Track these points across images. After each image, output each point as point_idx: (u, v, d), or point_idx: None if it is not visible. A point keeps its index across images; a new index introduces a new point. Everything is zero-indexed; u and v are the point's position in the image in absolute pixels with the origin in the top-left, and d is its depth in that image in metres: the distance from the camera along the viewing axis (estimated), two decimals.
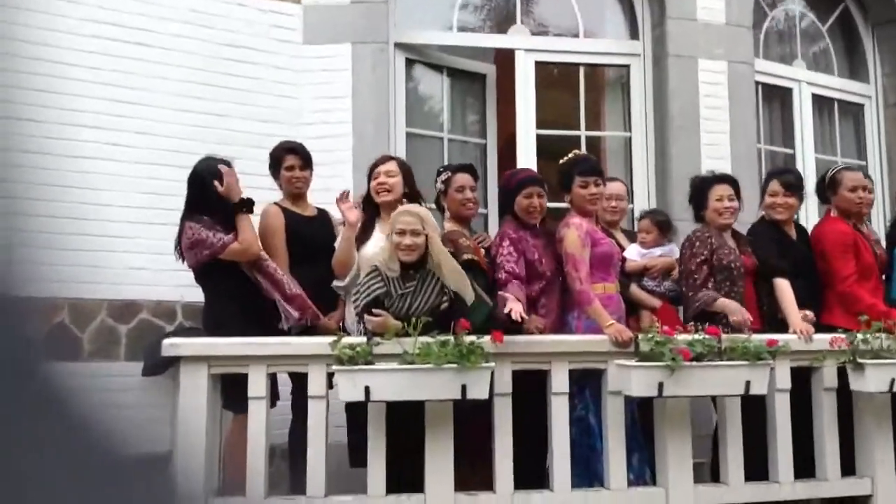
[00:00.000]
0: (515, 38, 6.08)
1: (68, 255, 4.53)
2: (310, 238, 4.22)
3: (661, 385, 3.55)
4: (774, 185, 4.53)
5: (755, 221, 4.67)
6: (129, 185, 4.87)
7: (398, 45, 5.79)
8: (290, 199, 4.35)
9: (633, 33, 6.23)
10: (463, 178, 4.28)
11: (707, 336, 3.68)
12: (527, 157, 5.78)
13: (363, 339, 3.56)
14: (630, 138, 6.11)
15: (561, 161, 4.27)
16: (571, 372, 3.80)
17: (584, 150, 6.01)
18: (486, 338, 3.54)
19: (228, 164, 3.98)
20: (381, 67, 5.52)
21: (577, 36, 6.19)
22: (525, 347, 3.76)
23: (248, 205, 3.93)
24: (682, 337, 3.69)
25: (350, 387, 3.44)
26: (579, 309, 3.98)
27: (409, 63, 5.91)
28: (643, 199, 5.95)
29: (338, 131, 5.37)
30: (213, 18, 5.23)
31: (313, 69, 5.49)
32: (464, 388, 3.37)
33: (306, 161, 4.33)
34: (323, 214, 4.40)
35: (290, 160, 4.31)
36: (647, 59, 6.10)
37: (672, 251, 4.70)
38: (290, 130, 5.17)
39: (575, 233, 4.02)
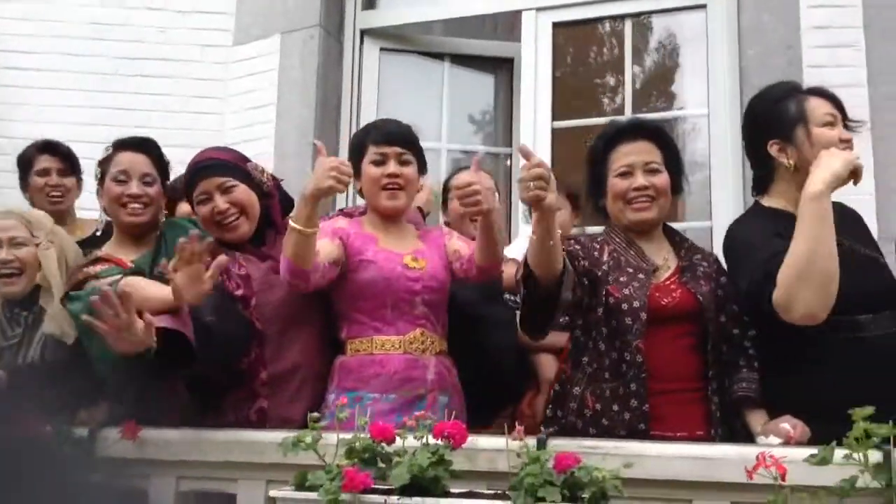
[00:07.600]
0: None
1: None
2: None
3: None
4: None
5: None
6: None
7: (368, 32, 4.43)
8: None
9: None
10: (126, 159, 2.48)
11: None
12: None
13: None
14: (708, 115, 3.93)
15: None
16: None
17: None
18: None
19: None
20: (310, 61, 4.19)
21: None
22: (200, 451, 2.17)
23: None
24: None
25: None
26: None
27: (391, 54, 4.49)
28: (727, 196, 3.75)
29: (259, 149, 4.10)
30: (112, 30, 4.38)
31: (240, 75, 4.36)
32: None
33: (70, 164, 3.20)
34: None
35: (43, 162, 3.18)
36: None
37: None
38: None
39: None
